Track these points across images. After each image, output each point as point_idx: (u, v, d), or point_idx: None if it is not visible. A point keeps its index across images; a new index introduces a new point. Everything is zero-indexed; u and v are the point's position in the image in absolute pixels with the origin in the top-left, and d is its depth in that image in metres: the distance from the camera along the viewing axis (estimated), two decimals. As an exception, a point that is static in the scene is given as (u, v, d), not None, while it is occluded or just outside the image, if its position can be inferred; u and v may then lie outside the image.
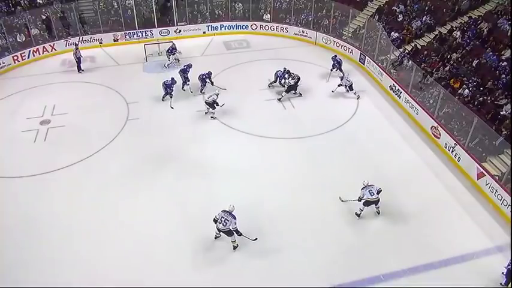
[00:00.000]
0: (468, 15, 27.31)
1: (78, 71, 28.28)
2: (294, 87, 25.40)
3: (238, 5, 34.80)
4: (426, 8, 29.46)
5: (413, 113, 23.81)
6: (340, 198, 18.03)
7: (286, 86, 25.37)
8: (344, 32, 32.05)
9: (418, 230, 17.17)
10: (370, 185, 17.15)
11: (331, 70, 27.28)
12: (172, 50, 29.16)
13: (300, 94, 25.80)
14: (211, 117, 23.84)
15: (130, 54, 30.45)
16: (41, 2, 32.27)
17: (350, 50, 30.40)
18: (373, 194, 16.95)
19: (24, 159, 20.79)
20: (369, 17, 31.41)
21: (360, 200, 17.15)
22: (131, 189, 18.96)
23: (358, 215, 17.50)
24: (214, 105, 23.50)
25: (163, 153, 20.81)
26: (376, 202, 17.24)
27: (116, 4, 33.25)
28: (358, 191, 17.40)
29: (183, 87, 26.13)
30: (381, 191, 17.07)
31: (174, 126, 23.04)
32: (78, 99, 25.49)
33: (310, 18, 33.24)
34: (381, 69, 27.00)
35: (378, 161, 20.79)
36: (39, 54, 30.21)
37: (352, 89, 25.64)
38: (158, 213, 17.76)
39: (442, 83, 23.49)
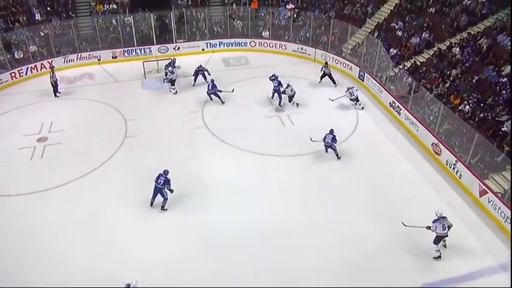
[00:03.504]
0: (467, 32, 27.27)
1: (55, 96, 27.68)
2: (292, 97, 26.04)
3: (237, 22, 34.93)
4: (425, 25, 29.45)
5: (413, 129, 23.63)
6: (403, 223, 16.85)
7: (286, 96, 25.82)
8: (343, 49, 32.03)
9: (420, 247, 16.84)
10: (443, 218, 16.15)
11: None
12: (170, 65, 29.05)
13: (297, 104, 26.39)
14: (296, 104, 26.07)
15: (129, 71, 30.43)
16: (39, 18, 32.31)
17: (349, 67, 30.35)
18: (445, 229, 16.08)
19: (21, 177, 20.60)
20: (367, 33, 31.33)
21: (428, 228, 16.19)
22: (128, 207, 18.70)
23: (439, 257, 16.47)
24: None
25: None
26: (445, 237, 16.37)
27: (114, 21, 33.25)
28: (359, 210, 17.37)
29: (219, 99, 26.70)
30: (451, 226, 16.22)
31: (172, 143, 22.84)
32: (75, 116, 25.44)
33: (308, 35, 33.26)
34: (380, 86, 26.87)
35: (379, 178, 20.58)
36: (37, 70, 30.15)
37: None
38: (155, 231, 17.56)
39: (443, 100, 23.32)
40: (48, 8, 33.42)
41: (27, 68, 29.92)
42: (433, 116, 23.15)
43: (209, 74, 28.73)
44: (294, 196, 19.44)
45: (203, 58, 32.70)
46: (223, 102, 26.74)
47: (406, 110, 24.16)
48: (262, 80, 27.65)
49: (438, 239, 16.28)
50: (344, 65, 30.74)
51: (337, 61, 31.21)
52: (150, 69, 30.30)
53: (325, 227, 17.82)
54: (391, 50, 29.11)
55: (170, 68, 28.38)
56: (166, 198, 18.50)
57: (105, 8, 34.64)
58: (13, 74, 29.33)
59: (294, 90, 25.94)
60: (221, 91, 26.52)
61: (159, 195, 18.44)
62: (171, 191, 18.43)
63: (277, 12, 35.23)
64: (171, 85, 27.90)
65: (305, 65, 31.89)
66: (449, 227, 16.13)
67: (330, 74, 28.90)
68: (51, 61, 30.59)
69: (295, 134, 23.59)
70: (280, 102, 26.25)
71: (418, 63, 27.46)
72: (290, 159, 21.92)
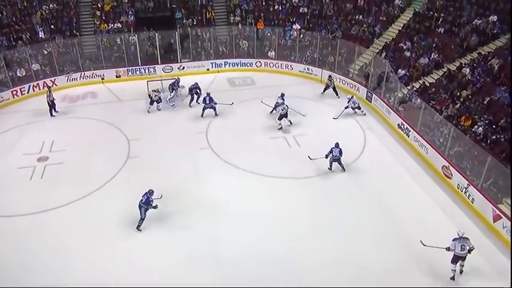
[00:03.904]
0: (478, 52, 26.94)
1: (51, 115, 27.34)
2: (286, 115, 25.54)
3: (242, 42, 34.81)
4: (434, 45, 29.17)
5: (423, 151, 23.03)
6: (421, 242, 16.37)
7: (278, 114, 25.49)
8: (350, 70, 31.67)
9: (436, 271, 16.23)
10: (464, 238, 15.57)
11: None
12: (174, 84, 28.92)
13: (290, 122, 26.03)
14: (279, 128, 25.56)
15: (133, 90, 30.08)
16: (43, 37, 32.24)
17: (356, 88, 29.92)
18: (464, 249, 15.51)
19: (19, 198, 20.05)
20: (375, 54, 31.03)
21: (448, 249, 15.68)
22: (130, 229, 18.15)
23: (453, 278, 15.99)
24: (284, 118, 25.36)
25: (164, 192, 19.74)
26: (463, 259, 15.88)
27: (119, 40, 33.19)
28: (368, 233, 16.94)
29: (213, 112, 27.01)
30: (473, 249, 15.64)
31: (175, 165, 22.35)
32: (77, 135, 25.03)
33: (315, 56, 33.01)
34: (388, 107, 26.38)
35: (388, 201, 19.93)
36: (39, 89, 29.81)
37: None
38: (157, 254, 17.00)
39: (453, 122, 22.80)
40: (52, 26, 33.54)
41: (29, 86, 29.69)
42: (443, 138, 22.55)
43: (200, 93, 28.40)
44: (300, 219, 18.79)
45: (208, 78, 32.52)
46: (217, 114, 26.91)
47: (415, 131, 23.61)
48: (268, 100, 27.20)
49: (455, 259, 15.73)
50: (351, 85, 30.32)
51: (344, 82, 30.83)
52: (154, 88, 29.68)
53: (332, 248, 17.27)
54: (399, 70, 28.74)
55: (155, 93, 27.69)
56: (143, 219, 18.03)
57: (110, 27, 34.70)
58: (14, 92, 29.12)
59: (285, 109, 25.40)
60: (216, 103, 26.71)
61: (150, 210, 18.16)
62: (155, 207, 18.01)
63: (283, 33, 35.09)
64: (150, 104, 27.62)
65: (311, 86, 31.54)
66: (470, 250, 15.57)
67: (334, 86, 29.54)
68: (54, 79, 30.48)
69: (301, 155, 22.89)
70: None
71: (427, 84, 27.04)
72: (296, 180, 21.37)
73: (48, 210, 19.22)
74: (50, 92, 27.20)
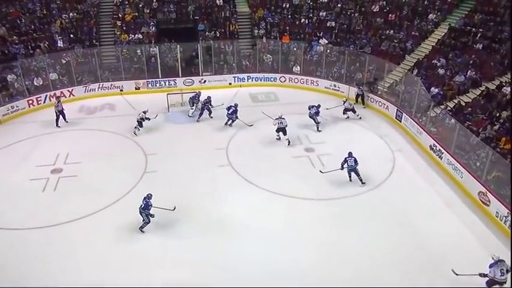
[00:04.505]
0: (520, 69, 25.55)
1: (56, 125, 26.79)
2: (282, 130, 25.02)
3: (266, 56, 34.02)
4: (471, 62, 27.79)
5: (457, 176, 21.64)
6: (453, 271, 15.50)
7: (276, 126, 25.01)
8: (379, 87, 30.51)
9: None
10: (501, 261, 14.74)
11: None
12: (195, 98, 28.30)
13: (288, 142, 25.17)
14: (277, 138, 25.31)
15: (152, 103, 29.14)
16: (61, 46, 31.92)
17: (386, 106, 28.73)
18: (504, 274, 14.63)
19: (30, 210, 19.49)
20: (406, 71, 29.93)
21: (483, 275, 14.88)
22: (143, 247, 17.48)
23: None
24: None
25: (181, 209, 19.07)
26: (502, 284, 14.87)
27: (139, 51, 32.69)
28: (398, 259, 16.45)
29: (229, 123, 27.05)
30: (510, 271, 14.83)
31: (193, 181, 21.56)
32: (93, 148, 24.48)
33: (342, 72, 32.04)
34: (419, 127, 25.07)
35: (418, 229, 18.63)
36: (56, 99, 29.17)
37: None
38: (171, 273, 16.33)
39: (491, 144, 21.39)
40: (72, 36, 33.25)
41: (46, 96, 29.27)
42: (480, 162, 21.07)
43: (212, 106, 28.00)
44: (323, 244, 17.69)
45: (230, 92, 31.88)
46: (227, 125, 27.06)
47: (449, 154, 22.27)
48: (291, 117, 26.08)
49: (492, 283, 14.77)
50: (380, 103, 29.18)
51: (372, 99, 29.77)
52: (174, 102, 29.40)
53: (356, 270, 16.35)
54: (432, 88, 27.39)
55: (142, 114, 26.55)
56: (146, 222, 18.04)
57: (130, 38, 34.26)
58: (30, 101, 28.70)
59: (282, 124, 24.64)
60: (237, 118, 26.90)
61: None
62: (152, 215, 17.96)
63: (309, 47, 34.24)
64: (140, 126, 26.26)
65: (337, 103, 29.93)
66: (507, 271, 14.59)
67: (363, 95, 29.99)
68: (72, 89, 30.23)
69: (326, 176, 21.84)
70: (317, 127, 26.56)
71: (463, 104, 25.63)
72: (320, 203, 20.34)
73: (60, 224, 18.63)
74: (58, 102, 26.83)
